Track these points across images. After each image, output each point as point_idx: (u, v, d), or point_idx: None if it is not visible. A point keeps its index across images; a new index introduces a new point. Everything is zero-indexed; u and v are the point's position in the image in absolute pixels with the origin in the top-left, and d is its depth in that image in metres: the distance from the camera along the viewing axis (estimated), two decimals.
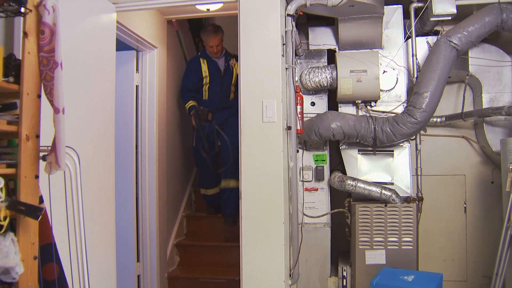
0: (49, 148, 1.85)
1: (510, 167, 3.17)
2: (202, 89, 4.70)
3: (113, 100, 3.15)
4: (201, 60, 4.67)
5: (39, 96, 1.83)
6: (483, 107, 3.85)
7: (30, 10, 1.76)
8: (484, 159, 4.15)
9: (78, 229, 2.21)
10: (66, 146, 1.89)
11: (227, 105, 4.69)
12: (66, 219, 2.24)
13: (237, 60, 4.26)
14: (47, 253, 2.07)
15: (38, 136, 1.84)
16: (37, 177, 1.84)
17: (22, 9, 1.74)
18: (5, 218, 1.70)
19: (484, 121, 3.87)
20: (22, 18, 1.78)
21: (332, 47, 3.80)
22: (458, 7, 3.47)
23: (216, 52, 4.59)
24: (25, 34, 1.76)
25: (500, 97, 3.87)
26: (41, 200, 2.02)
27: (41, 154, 1.89)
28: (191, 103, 4.59)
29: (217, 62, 4.67)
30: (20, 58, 1.78)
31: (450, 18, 3.54)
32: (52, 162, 1.83)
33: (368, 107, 3.68)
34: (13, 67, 1.79)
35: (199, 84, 4.67)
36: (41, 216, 1.80)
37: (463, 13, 3.59)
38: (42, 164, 1.89)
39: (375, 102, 3.68)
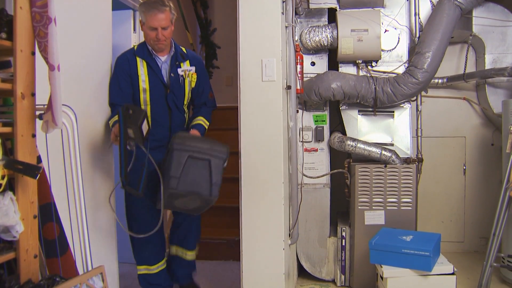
0: (45, 106, 1.82)
1: (511, 129, 3.15)
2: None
3: (110, 60, 3.10)
4: (138, 60, 2.93)
5: (33, 53, 1.79)
6: (486, 68, 3.81)
7: None
8: (485, 121, 4.14)
9: (77, 189, 2.21)
10: (63, 104, 1.87)
11: None
12: (65, 178, 2.24)
13: (192, 64, 3.05)
14: (47, 212, 2.08)
15: (33, 94, 1.81)
16: (34, 136, 1.82)
17: None
18: (3, 177, 1.69)
19: (486, 83, 3.83)
20: None
21: (333, 6, 3.71)
22: None
23: (160, 42, 2.86)
24: None
25: (504, 58, 3.82)
26: (39, 159, 2.01)
27: (38, 112, 1.87)
28: (113, 120, 2.81)
29: (160, 66, 2.98)
30: (12, 14, 1.73)
31: None
32: (49, 120, 1.81)
33: (369, 67, 3.63)
34: (5, 23, 1.75)
35: (135, 101, 2.97)
36: (39, 176, 1.79)
37: None
38: (39, 123, 1.87)
39: (376, 62, 3.63)
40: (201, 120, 3.10)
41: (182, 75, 3.01)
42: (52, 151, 2.12)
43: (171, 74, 2.97)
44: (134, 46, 3.00)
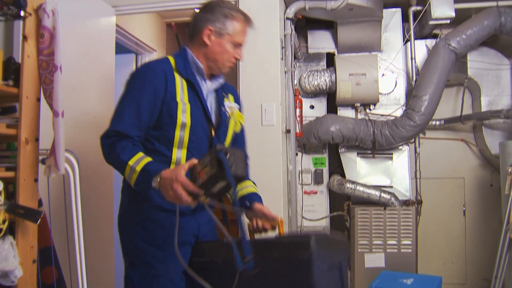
0: (48, 151, 1.85)
1: (509, 170, 3.17)
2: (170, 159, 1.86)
3: (112, 103, 3.15)
4: (177, 79, 1.87)
5: (38, 100, 1.83)
6: (482, 110, 3.86)
7: (30, 14, 1.76)
8: (483, 162, 4.16)
9: (77, 233, 2.21)
10: (65, 150, 1.89)
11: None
12: (65, 222, 2.24)
13: (236, 100, 2.11)
14: (46, 256, 2.07)
15: (37, 140, 1.84)
16: (36, 180, 1.84)
17: (22, 13, 1.73)
18: (4, 222, 1.69)
19: (483, 124, 3.88)
20: (21, 22, 1.78)
21: (331, 51, 3.81)
22: (456, 10, 3.48)
23: (233, 64, 2.00)
24: (25, 38, 1.76)
25: (499, 100, 3.88)
26: (40, 203, 2.02)
27: (41, 157, 1.89)
28: (145, 159, 1.70)
29: (205, 95, 1.95)
30: (20, 62, 1.78)
31: (448, 21, 3.55)
32: (51, 165, 1.83)
33: (367, 110, 3.69)
34: (13, 70, 1.79)
35: (167, 137, 1.85)
36: (40, 220, 1.80)
37: (461, 17, 3.60)
38: (42, 167, 1.89)
39: (374, 105, 3.69)
40: (254, 188, 2.12)
41: (227, 110, 2.02)
42: (53, 195, 2.13)
43: (221, 108, 1.99)
44: (168, 57, 1.95)
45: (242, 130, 2.14)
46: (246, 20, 1.98)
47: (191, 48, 1.98)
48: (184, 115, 1.83)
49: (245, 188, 2.06)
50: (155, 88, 1.81)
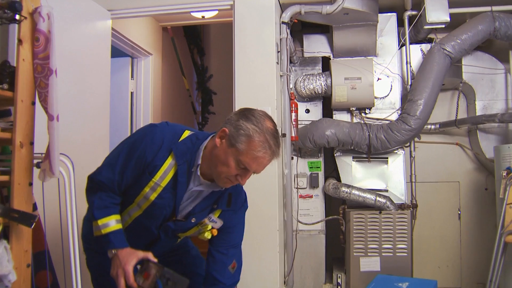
0: (43, 155, 1.84)
1: (504, 174, 3.18)
2: (128, 206, 1.95)
3: (108, 107, 3.15)
4: (168, 160, 1.82)
5: (33, 103, 1.82)
6: (477, 114, 3.88)
7: (25, 18, 1.75)
8: (478, 166, 4.17)
9: (71, 237, 2.20)
10: (60, 153, 1.89)
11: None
12: (60, 226, 2.23)
13: (224, 217, 1.95)
14: (41, 260, 2.06)
15: (32, 143, 1.83)
16: (30, 184, 1.83)
17: (17, 17, 1.73)
18: None
19: (478, 128, 3.89)
20: (17, 25, 1.77)
21: (326, 55, 3.82)
22: (451, 15, 3.50)
23: (232, 184, 1.81)
24: (20, 41, 1.75)
25: (493, 104, 3.90)
26: (34, 207, 2.01)
27: (35, 161, 1.89)
28: (111, 227, 1.84)
29: (188, 189, 1.86)
30: (15, 65, 1.78)
31: (443, 26, 3.56)
32: (46, 169, 1.82)
33: (363, 114, 3.70)
34: (8, 74, 1.78)
35: (132, 191, 1.89)
36: (34, 224, 1.79)
37: (456, 21, 3.62)
38: (36, 171, 1.88)
39: (370, 109, 3.70)
40: None
41: (203, 221, 1.93)
42: (48, 199, 2.12)
43: (192, 218, 1.90)
44: (185, 133, 1.88)
45: (217, 243, 2.00)
46: (268, 145, 1.71)
47: (212, 139, 1.84)
48: (151, 192, 1.85)
49: None
50: (143, 154, 1.82)
